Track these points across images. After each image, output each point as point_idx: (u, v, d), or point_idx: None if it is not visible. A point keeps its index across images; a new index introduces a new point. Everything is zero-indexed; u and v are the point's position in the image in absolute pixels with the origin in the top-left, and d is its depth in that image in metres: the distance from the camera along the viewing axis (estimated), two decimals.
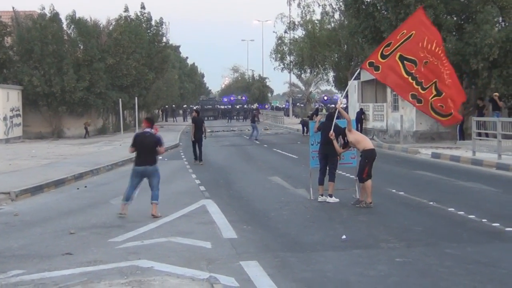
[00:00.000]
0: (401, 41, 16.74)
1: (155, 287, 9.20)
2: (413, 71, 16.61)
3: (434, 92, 16.60)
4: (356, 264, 10.71)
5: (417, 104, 17.15)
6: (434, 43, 16.70)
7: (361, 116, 46.51)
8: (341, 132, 17.16)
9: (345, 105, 57.93)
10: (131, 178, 16.28)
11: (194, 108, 35.19)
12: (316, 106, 66.03)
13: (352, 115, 44.78)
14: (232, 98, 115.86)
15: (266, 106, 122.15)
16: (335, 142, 16.98)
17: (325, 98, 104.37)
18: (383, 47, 17.02)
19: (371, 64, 17.16)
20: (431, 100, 16.59)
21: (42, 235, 14.09)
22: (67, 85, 53.55)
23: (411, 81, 16.67)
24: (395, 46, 16.72)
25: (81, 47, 57.21)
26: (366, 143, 16.70)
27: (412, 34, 16.73)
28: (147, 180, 16.11)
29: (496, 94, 32.34)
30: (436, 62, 16.60)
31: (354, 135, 16.81)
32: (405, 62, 16.71)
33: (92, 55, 55.39)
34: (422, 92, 16.62)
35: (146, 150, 15.99)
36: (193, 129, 31.05)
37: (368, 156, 16.64)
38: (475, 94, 35.66)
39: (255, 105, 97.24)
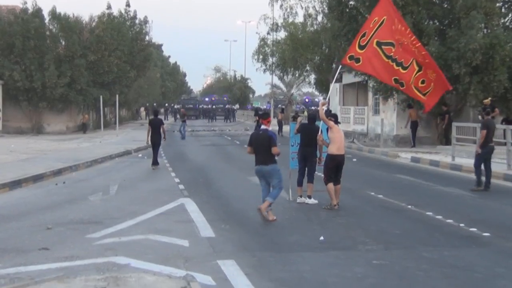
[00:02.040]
0: (375, 28, 17.02)
1: (132, 283, 9.16)
2: (392, 53, 16.85)
3: (416, 68, 16.75)
4: (333, 266, 10.71)
5: (400, 88, 17.33)
6: (403, 26, 17.00)
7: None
8: (315, 131, 17.14)
9: (326, 108, 58.07)
10: (258, 178, 15.59)
11: (152, 109, 33.11)
12: (297, 109, 65.99)
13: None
14: (213, 98, 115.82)
15: (248, 107, 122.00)
16: (319, 139, 16.91)
17: (307, 100, 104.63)
18: (359, 38, 17.21)
19: (351, 57, 17.26)
20: (413, 77, 16.72)
21: (19, 229, 14.00)
22: (48, 81, 53.39)
23: (391, 63, 16.84)
24: (371, 34, 16.95)
25: (63, 43, 57.02)
26: (332, 147, 16.51)
27: (383, 19, 17.04)
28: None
29: (487, 101, 32.21)
30: (407, 42, 16.82)
31: (331, 135, 16.64)
32: (382, 47, 16.94)
33: (73, 51, 55.22)
34: (403, 72, 16.79)
35: (260, 150, 15.06)
36: (148, 132, 28.14)
37: (327, 161, 16.65)
38: (456, 99, 35.82)
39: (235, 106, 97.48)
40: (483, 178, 20.10)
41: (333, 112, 18.78)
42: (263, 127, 15.37)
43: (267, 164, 14.94)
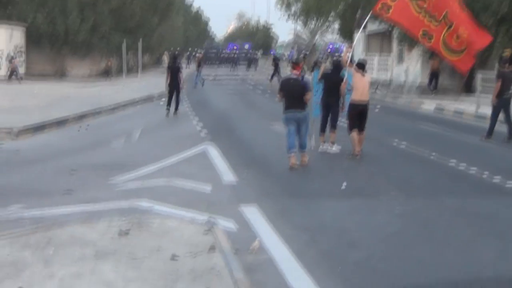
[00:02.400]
0: None
1: (154, 227, 9.20)
2: (425, 6, 16.30)
3: (449, 24, 16.31)
4: (355, 213, 10.72)
5: (427, 43, 16.82)
6: None
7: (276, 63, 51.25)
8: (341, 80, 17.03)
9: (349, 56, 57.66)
10: (285, 126, 15.31)
11: (171, 54, 31.96)
12: (320, 57, 65.49)
13: None
14: (236, 46, 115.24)
15: (272, 52, 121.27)
16: (342, 87, 16.84)
17: (330, 47, 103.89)
18: None
19: (382, 6, 16.80)
20: (445, 33, 16.30)
21: (43, 172, 14.10)
22: (71, 26, 53.23)
23: (422, 17, 16.30)
24: None
25: None
26: (354, 94, 16.42)
27: None
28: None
29: (507, 53, 31.93)
30: None
31: (353, 82, 16.54)
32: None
33: None
34: (435, 26, 16.28)
35: (294, 96, 14.95)
36: (168, 76, 27.33)
37: (349, 108, 16.56)
38: (482, 50, 35.40)
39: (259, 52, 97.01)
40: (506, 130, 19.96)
41: (357, 60, 18.52)
42: (294, 73, 15.29)
43: (302, 110, 15.01)
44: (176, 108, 27.22)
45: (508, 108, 20.09)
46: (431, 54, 37.15)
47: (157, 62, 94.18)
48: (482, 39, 16.95)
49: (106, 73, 57.60)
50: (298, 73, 15.33)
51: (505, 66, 20.43)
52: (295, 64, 15.68)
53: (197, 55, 58.04)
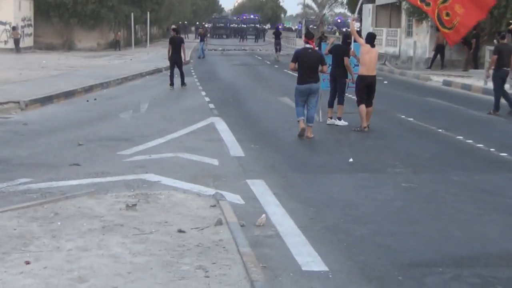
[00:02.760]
0: None
1: (161, 201, 9.24)
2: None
3: None
4: (362, 187, 10.74)
5: (425, 7, 16.90)
6: None
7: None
8: (346, 53, 17.01)
9: (358, 29, 57.41)
10: (295, 97, 15.52)
11: (172, 27, 31.35)
12: (328, 29, 64.70)
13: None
14: (244, 17, 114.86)
15: (280, 27, 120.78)
16: (346, 60, 16.84)
17: (339, 20, 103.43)
18: None
19: None
20: (440, 5, 16.31)
21: (50, 145, 14.14)
22: None
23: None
24: None
25: None
26: (362, 67, 16.43)
27: None
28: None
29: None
30: None
31: (361, 55, 16.52)
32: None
33: None
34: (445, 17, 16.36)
35: (310, 68, 15.15)
36: (169, 50, 26.97)
37: (357, 81, 16.55)
38: (490, 24, 35.22)
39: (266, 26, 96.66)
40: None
41: (367, 32, 18.50)
42: (308, 45, 15.49)
43: (316, 82, 15.36)
44: (183, 82, 27.10)
45: (505, 80, 20.13)
46: (436, 28, 37.02)
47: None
48: (480, 12, 16.90)
49: (114, 45, 57.51)
50: (313, 45, 15.63)
51: (504, 39, 20.44)
52: (308, 37, 15.87)
53: (199, 29, 57.56)
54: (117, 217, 8.37)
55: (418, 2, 16.98)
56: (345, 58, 16.88)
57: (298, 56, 15.39)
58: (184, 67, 27.63)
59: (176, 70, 26.93)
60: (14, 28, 48.40)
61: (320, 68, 15.33)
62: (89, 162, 12.25)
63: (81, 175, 11.12)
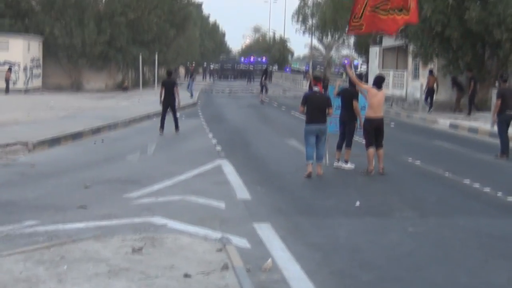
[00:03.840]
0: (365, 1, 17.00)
1: (168, 244, 9.24)
2: (389, 5, 16.87)
3: None
4: (368, 232, 10.72)
5: (405, 17, 17.28)
6: None
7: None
8: (355, 96, 17.11)
9: (364, 71, 57.67)
10: (305, 137, 16.10)
11: (167, 70, 29.92)
12: (321, 69, 63.66)
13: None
14: (252, 59, 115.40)
15: (286, 70, 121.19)
16: (355, 104, 16.94)
17: (346, 62, 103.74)
18: (352, 17, 17.43)
19: (353, 27, 17.62)
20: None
21: (57, 187, 14.17)
22: (88, 38, 53.61)
23: (391, 15, 16.98)
24: (363, 6, 16.96)
25: (103, 1, 57.12)
26: (368, 110, 16.53)
27: None
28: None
29: None
30: None
31: (368, 98, 16.61)
32: (378, 7, 16.91)
33: (113, 8, 55.31)
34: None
35: (319, 110, 15.86)
36: (161, 93, 25.88)
37: (365, 124, 16.64)
38: (496, 66, 35.36)
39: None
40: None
41: (375, 75, 18.63)
42: (316, 88, 16.14)
43: (324, 122, 15.98)
44: (176, 126, 26.06)
45: (509, 124, 20.19)
46: (430, 70, 37.62)
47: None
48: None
49: (122, 88, 57.78)
50: (320, 88, 16.20)
51: (506, 83, 20.58)
52: (317, 80, 16.49)
53: (191, 66, 57.28)
54: (123, 260, 8.37)
55: (401, 25, 17.52)
56: (354, 102, 16.96)
57: (308, 99, 15.90)
58: (191, 108, 27.66)
59: (169, 115, 25.86)
60: (9, 70, 48.53)
61: (326, 110, 15.80)
62: (96, 205, 12.26)
63: (88, 218, 11.13)
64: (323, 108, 15.89)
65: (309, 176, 15.51)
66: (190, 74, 51.82)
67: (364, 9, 17.00)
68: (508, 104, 19.97)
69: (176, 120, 26.05)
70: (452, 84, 37.27)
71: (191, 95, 47.20)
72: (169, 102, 25.64)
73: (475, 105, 34.85)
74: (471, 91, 34.61)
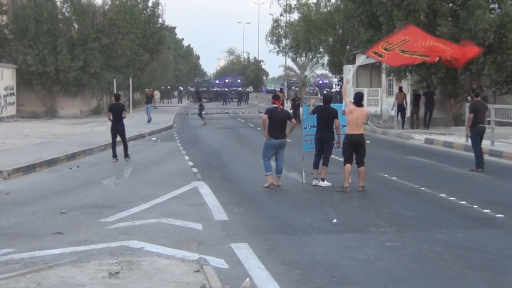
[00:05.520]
0: (399, 42, 17.16)
1: (145, 267, 9.20)
2: (416, 50, 17.06)
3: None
4: (346, 248, 10.72)
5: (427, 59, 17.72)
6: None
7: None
8: (335, 115, 17.20)
9: (339, 89, 57.91)
10: (265, 151, 17.45)
11: (114, 94, 28.91)
12: (295, 94, 63.33)
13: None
14: (227, 80, 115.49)
15: (263, 90, 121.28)
16: (336, 122, 17.06)
17: (320, 82, 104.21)
18: (383, 42, 17.70)
19: (375, 53, 18.05)
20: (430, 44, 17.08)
21: (33, 214, 14.08)
22: (61, 65, 53.43)
23: (414, 56, 17.22)
24: (395, 44, 17.13)
25: (76, 27, 57.01)
26: (347, 127, 16.63)
27: (408, 39, 17.15)
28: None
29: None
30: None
31: (347, 115, 16.69)
32: (405, 51, 17.09)
33: (86, 34, 55.18)
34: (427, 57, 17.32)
35: (280, 125, 17.17)
36: (109, 117, 25.02)
37: (344, 141, 16.73)
38: (470, 80, 35.62)
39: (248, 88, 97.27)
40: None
41: (350, 94, 18.89)
42: (275, 105, 17.34)
43: (284, 138, 17.30)
44: (126, 153, 24.84)
45: (482, 137, 20.37)
46: (399, 87, 38.21)
47: (149, 99, 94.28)
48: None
49: (97, 113, 57.57)
50: (279, 105, 17.43)
51: (478, 97, 20.81)
52: (275, 98, 17.69)
53: (147, 90, 55.80)
54: (100, 285, 8.32)
55: (420, 59, 17.69)
56: (336, 121, 17.10)
57: (270, 113, 17.17)
58: (167, 131, 27.57)
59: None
60: None
61: (288, 123, 17.49)
62: (72, 230, 12.19)
63: (64, 244, 11.06)
64: (284, 123, 17.24)
65: (269, 186, 16.98)
66: (147, 98, 51.30)
67: (395, 47, 17.23)
68: (481, 117, 20.19)
69: (126, 146, 24.95)
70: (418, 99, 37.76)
71: (148, 120, 45.79)
72: (117, 127, 24.66)
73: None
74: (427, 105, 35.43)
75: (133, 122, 44.98)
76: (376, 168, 20.05)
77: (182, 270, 9.11)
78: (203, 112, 48.40)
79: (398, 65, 19.76)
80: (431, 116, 36.43)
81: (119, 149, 24.73)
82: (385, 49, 17.36)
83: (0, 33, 54.29)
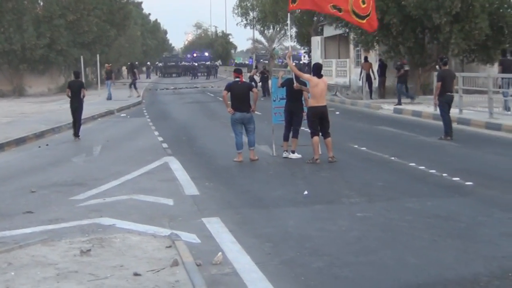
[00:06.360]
0: None
1: (116, 244, 9.18)
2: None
3: None
4: (317, 220, 10.76)
5: (339, 13, 17.46)
6: None
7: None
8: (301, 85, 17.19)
9: (307, 61, 57.96)
10: (232, 127, 17.31)
11: (73, 71, 27.44)
12: (263, 67, 62.90)
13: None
14: (195, 55, 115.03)
15: (232, 62, 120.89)
16: (305, 93, 17.03)
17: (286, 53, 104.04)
18: None
19: (293, 1, 17.74)
20: (351, 1, 16.68)
21: (2, 194, 13.98)
22: (28, 42, 52.89)
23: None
24: None
25: (41, 4, 56.40)
26: (311, 100, 16.60)
27: None
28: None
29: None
30: None
31: (310, 87, 16.68)
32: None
33: (52, 11, 54.63)
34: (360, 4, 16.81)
35: (241, 98, 16.97)
36: (68, 94, 24.33)
37: (308, 113, 16.73)
38: (437, 50, 35.72)
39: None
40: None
41: (314, 64, 18.78)
42: (237, 79, 17.28)
43: (248, 111, 17.03)
44: (77, 132, 24.11)
45: (450, 106, 20.48)
46: (365, 57, 38.25)
47: (116, 75, 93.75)
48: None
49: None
50: (241, 78, 17.46)
51: (446, 65, 20.85)
52: (237, 72, 17.77)
53: (106, 65, 51.72)
54: (71, 263, 8.29)
55: (331, 10, 17.42)
56: (304, 93, 17.04)
57: (230, 88, 17.10)
58: (136, 107, 27.44)
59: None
60: None
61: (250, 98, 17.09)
62: (42, 209, 12.13)
63: (35, 223, 11.00)
64: (245, 97, 17.04)
65: (238, 162, 16.93)
66: (106, 75, 48.42)
67: None
68: (449, 86, 20.30)
69: (78, 125, 24.23)
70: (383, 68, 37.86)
71: (108, 97, 44.48)
72: (76, 106, 24.03)
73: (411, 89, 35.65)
74: (400, 76, 35.26)
75: (101, 99, 44.77)
76: (345, 139, 20.12)
77: (154, 246, 9.10)
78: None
79: (310, 8, 19.81)
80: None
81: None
82: None
83: None
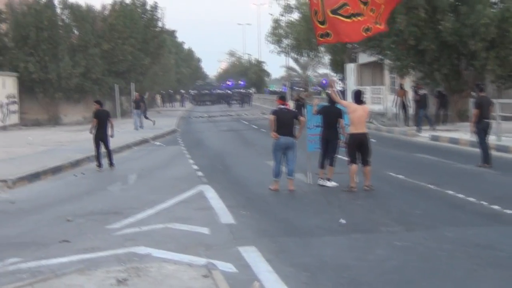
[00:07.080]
0: (320, 1, 16.88)
1: (153, 273, 9.12)
2: (351, 11, 16.64)
3: (363, 7, 16.54)
4: (354, 249, 10.64)
5: (369, 33, 17.14)
6: None
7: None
8: (340, 115, 17.10)
9: (342, 88, 57.90)
10: (274, 153, 16.99)
11: (95, 101, 26.05)
12: (298, 94, 62.26)
13: (350, 99, 44.70)
14: (230, 83, 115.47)
15: (266, 91, 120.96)
16: (341, 121, 16.96)
17: (324, 81, 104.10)
18: (315, 17, 17.22)
19: (322, 36, 17.37)
20: (366, 12, 16.53)
21: (39, 222, 14.00)
22: (63, 71, 53.36)
23: (356, 19, 16.71)
24: (320, 8, 16.84)
25: (76, 33, 56.95)
26: (351, 127, 16.53)
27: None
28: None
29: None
30: None
31: (348, 114, 16.60)
32: (339, 12, 16.72)
33: (87, 40, 55.12)
34: (364, 18, 16.57)
35: (287, 124, 16.74)
36: (94, 125, 23.76)
37: (348, 140, 16.63)
38: (473, 76, 35.51)
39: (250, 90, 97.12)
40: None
41: (354, 90, 18.74)
42: (283, 106, 17.09)
43: (292, 137, 16.73)
44: (111, 162, 24.09)
45: (488, 132, 20.28)
46: (400, 84, 38.22)
47: (151, 103, 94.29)
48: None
49: None
50: (287, 105, 17.50)
51: (482, 92, 20.67)
52: (282, 99, 17.57)
53: (136, 94, 50.08)
54: None
55: (365, 35, 17.20)
56: (340, 120, 16.99)
57: (277, 114, 16.88)
58: (170, 136, 27.49)
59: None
60: None
61: (294, 125, 16.89)
62: (78, 238, 12.12)
63: (71, 252, 10.98)
64: (290, 123, 16.77)
65: (274, 191, 16.71)
66: (136, 104, 46.51)
67: (324, 13, 16.88)
68: (486, 112, 20.12)
69: (110, 155, 24.14)
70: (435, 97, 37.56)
71: (136, 127, 43.60)
72: (102, 136, 23.69)
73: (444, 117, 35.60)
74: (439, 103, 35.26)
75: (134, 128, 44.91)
76: (382, 167, 19.96)
77: (190, 275, 9.04)
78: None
79: (345, 40, 19.35)
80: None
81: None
82: (321, 23, 17.10)
83: (1, 41, 54.19)
